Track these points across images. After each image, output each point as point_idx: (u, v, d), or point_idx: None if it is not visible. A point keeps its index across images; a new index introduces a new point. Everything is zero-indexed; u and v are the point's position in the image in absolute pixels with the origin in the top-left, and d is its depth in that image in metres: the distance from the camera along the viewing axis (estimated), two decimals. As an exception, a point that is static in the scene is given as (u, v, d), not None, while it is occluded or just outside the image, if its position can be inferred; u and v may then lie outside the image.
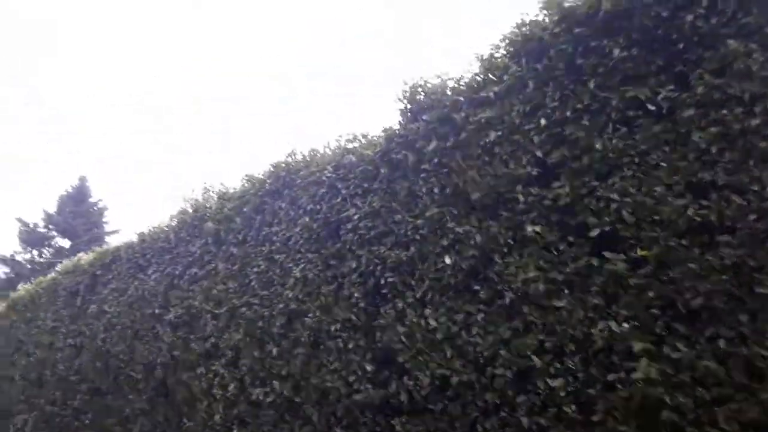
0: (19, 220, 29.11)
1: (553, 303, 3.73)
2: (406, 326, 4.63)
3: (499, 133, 4.21)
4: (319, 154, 5.98)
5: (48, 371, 9.95)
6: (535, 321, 3.82)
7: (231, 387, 6.22)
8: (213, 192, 7.36)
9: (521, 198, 4.02)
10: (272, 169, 6.41)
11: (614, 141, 3.59)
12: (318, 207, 5.64)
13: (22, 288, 12.87)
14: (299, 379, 5.50)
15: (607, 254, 3.52)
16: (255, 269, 6.25)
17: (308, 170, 5.92)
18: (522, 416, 3.81)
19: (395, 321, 4.73)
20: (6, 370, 11.52)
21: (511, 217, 4.08)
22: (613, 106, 3.65)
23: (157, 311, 7.60)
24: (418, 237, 4.68)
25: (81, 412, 8.87)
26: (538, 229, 3.89)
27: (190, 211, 7.64)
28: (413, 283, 4.69)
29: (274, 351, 5.81)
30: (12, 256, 28.81)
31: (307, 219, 5.73)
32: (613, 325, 3.41)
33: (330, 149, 5.89)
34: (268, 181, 6.41)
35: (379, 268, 4.96)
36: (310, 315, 5.48)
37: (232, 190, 7.13)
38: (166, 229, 7.95)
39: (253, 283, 6.25)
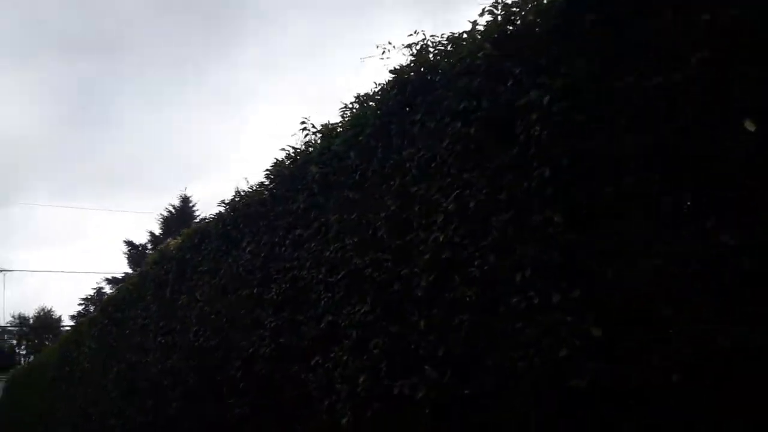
0: (128, 242, 29.77)
1: None
2: (659, 255, 2.71)
3: None
4: (463, 38, 4.17)
5: (140, 376, 8.73)
6: None
7: (361, 379, 4.48)
8: (314, 132, 5.71)
9: None
10: (393, 77, 4.66)
11: None
12: (473, 104, 3.82)
13: (115, 289, 12.04)
14: (467, 361, 3.68)
15: None
16: (382, 213, 4.51)
17: (451, 61, 4.12)
18: None
19: (636, 251, 2.81)
20: (101, 377, 10.57)
21: None
22: None
23: (255, 291, 6.05)
24: (678, 104, 2.74)
25: (176, 421, 7.50)
26: None
27: (287, 162, 6.06)
28: (663, 183, 2.76)
29: (421, 323, 4.02)
30: (124, 277, 29.57)
31: (458, 125, 3.91)
32: None
33: (479, 27, 4.06)
34: (390, 92, 4.67)
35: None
36: (475, 263, 3.65)
37: (340, 126, 5.45)
38: (259, 188, 6.42)
39: (380, 233, 4.51)
